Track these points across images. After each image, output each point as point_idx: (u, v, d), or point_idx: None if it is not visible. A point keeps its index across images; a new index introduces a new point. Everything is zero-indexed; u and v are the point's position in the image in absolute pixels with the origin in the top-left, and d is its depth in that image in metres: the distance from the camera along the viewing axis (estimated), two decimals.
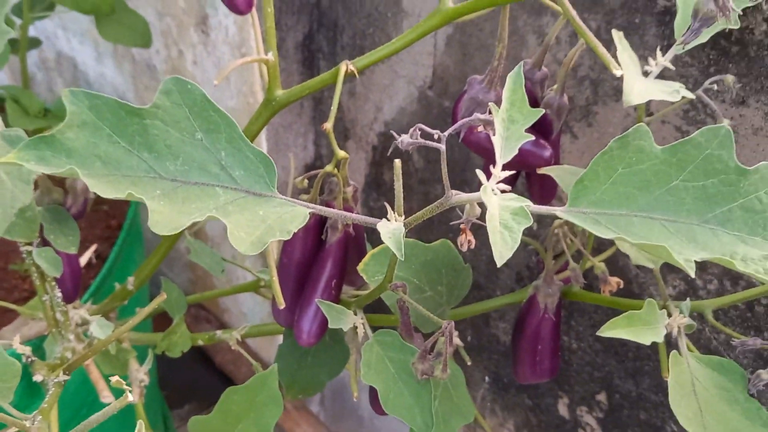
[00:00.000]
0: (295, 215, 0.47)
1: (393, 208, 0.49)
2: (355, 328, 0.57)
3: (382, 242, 0.57)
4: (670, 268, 0.72)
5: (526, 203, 0.44)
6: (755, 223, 0.46)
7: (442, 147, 0.46)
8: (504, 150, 0.46)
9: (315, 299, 0.58)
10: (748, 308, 0.67)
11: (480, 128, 0.50)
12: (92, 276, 0.83)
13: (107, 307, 0.68)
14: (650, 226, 0.46)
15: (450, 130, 0.46)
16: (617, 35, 0.55)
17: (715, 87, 0.61)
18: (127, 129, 0.47)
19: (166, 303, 0.69)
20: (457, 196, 0.47)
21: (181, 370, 1.22)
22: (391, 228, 0.47)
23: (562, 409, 0.90)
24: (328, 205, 0.60)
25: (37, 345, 0.68)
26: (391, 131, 0.50)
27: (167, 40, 1.01)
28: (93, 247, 0.71)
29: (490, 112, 0.57)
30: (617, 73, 0.47)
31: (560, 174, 0.54)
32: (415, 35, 0.57)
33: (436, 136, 0.46)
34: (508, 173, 0.46)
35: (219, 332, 0.68)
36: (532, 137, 0.47)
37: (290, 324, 0.61)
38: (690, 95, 0.54)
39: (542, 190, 0.61)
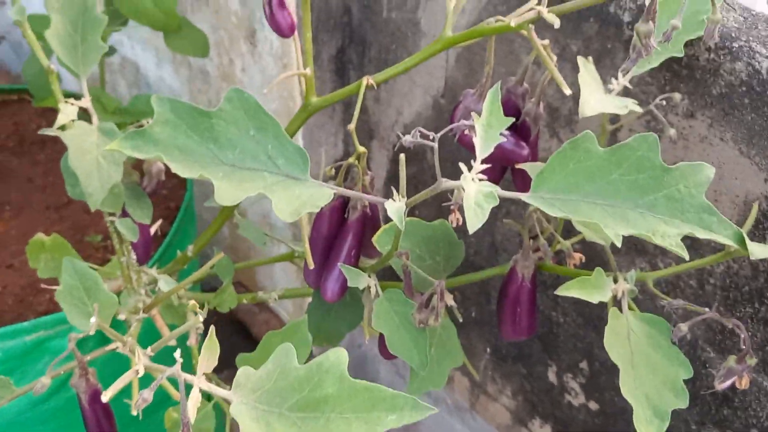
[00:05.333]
0: (323, 194, 0.62)
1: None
2: (369, 287, 0.72)
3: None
4: (637, 252, 0.86)
5: (496, 189, 0.58)
6: (674, 208, 0.60)
7: (435, 145, 0.60)
8: (483, 148, 0.61)
9: (338, 264, 0.73)
10: (699, 286, 0.81)
11: (467, 131, 0.64)
12: (156, 247, 0.99)
13: (170, 270, 0.84)
14: (593, 208, 0.60)
15: (442, 132, 0.61)
16: (581, 61, 0.69)
17: (664, 102, 0.74)
18: (199, 126, 0.62)
19: (217, 268, 0.84)
20: (446, 183, 0.61)
21: (222, 342, 1.38)
22: (396, 206, 0.61)
23: (551, 376, 1.04)
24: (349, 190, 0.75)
25: None
26: (398, 133, 0.65)
27: (220, 49, 1.16)
28: (158, 222, 0.86)
29: None
30: (567, 92, 0.61)
31: (533, 168, 0.69)
32: (423, 56, 0.71)
33: (431, 137, 0.61)
34: (486, 166, 0.60)
35: (260, 293, 0.84)
36: (505, 138, 0.62)
37: (318, 285, 0.76)
38: (638, 109, 0.68)
39: (523, 181, 0.75)
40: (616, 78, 0.72)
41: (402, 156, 0.63)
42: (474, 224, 0.56)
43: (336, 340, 0.78)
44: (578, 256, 0.73)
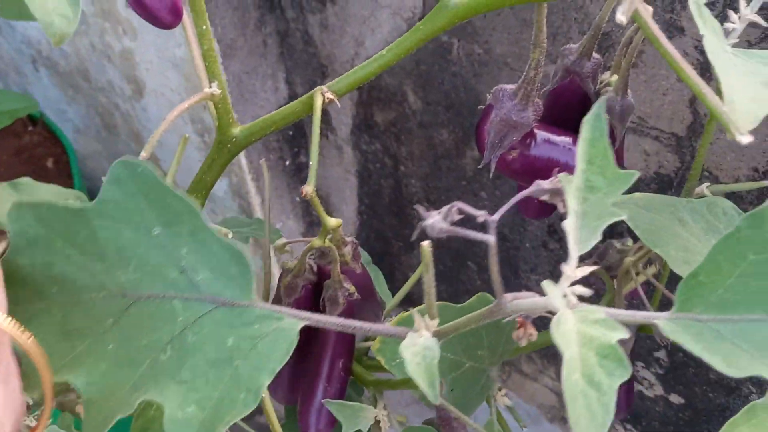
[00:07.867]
0: (278, 339, 0.34)
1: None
2: (379, 422, 0.44)
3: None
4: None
5: (618, 332, 0.30)
6: None
7: (492, 239, 0.31)
8: (581, 235, 0.32)
9: (320, 391, 0.45)
10: None
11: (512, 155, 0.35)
12: None
13: None
14: None
15: (502, 211, 0.33)
16: (695, 5, 0.38)
17: None
18: (78, 236, 0.35)
19: None
20: (515, 303, 0.33)
21: None
22: (420, 347, 0.33)
23: None
24: (322, 270, 0.46)
25: None
26: (415, 206, 0.35)
27: None
28: None
29: (529, 141, 0.43)
30: (743, 140, 0.32)
31: (634, 215, 0.40)
32: (410, 43, 0.42)
33: (480, 219, 0.32)
34: (587, 269, 0.32)
35: None
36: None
37: (289, 402, 0.49)
38: None
39: (540, 207, 0.49)
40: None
41: (425, 246, 0.34)
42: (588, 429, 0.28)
43: None
44: None
